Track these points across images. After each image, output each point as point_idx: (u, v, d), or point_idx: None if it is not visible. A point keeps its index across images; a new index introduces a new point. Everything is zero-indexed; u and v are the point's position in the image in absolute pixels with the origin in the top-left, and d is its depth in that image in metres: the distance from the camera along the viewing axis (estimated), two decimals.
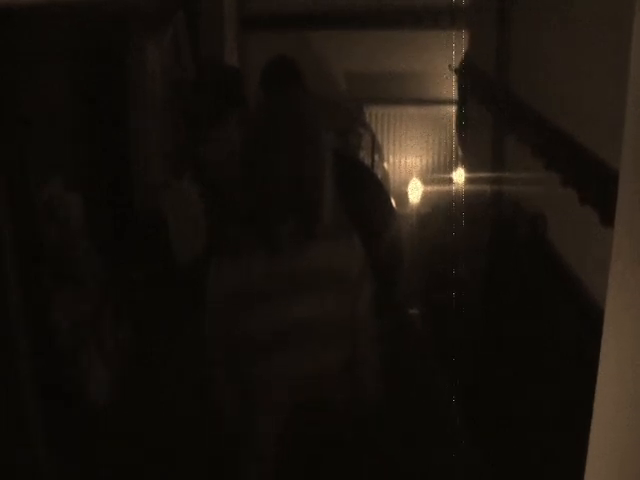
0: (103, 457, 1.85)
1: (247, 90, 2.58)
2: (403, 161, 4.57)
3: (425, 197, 4.07)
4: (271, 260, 1.61)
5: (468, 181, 3.64)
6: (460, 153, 3.98)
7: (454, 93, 3.81)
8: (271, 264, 1.60)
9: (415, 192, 4.10)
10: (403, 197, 4.01)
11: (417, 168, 4.55)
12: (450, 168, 4.16)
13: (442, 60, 3.81)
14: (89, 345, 1.83)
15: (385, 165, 4.22)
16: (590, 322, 1.82)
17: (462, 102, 3.69)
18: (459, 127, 3.82)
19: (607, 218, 1.65)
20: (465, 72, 3.55)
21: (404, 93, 4.41)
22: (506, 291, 2.56)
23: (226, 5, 3.90)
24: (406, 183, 4.22)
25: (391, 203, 2.24)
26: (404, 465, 2.06)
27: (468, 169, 3.68)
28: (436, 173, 4.42)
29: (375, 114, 4.46)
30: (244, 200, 1.67)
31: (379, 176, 3.60)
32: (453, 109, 3.93)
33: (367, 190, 2.15)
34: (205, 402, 1.87)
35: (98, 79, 2.10)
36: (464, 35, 3.69)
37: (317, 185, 1.60)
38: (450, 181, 3.87)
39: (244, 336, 1.61)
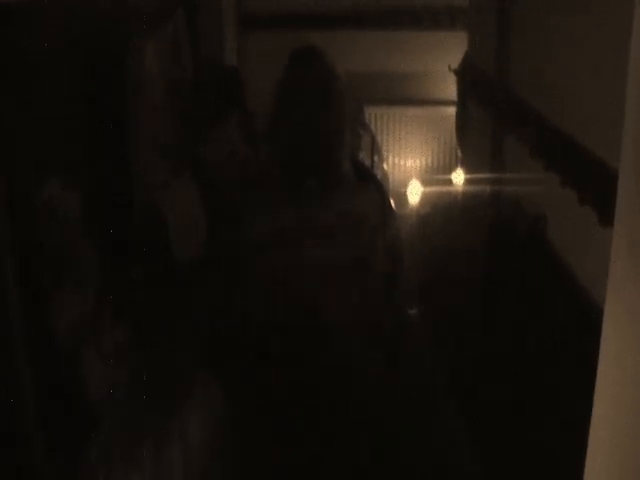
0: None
1: (246, 90, 2.58)
2: (403, 161, 4.57)
3: (425, 197, 4.07)
4: (300, 208, 1.89)
5: (468, 181, 3.64)
6: (460, 153, 3.98)
7: (454, 93, 3.81)
8: (300, 211, 1.89)
9: (415, 193, 4.10)
10: (403, 198, 4.01)
11: (417, 168, 4.55)
12: (450, 168, 4.15)
13: (442, 60, 3.81)
14: (89, 345, 1.83)
15: (385, 166, 4.22)
16: (590, 322, 1.82)
17: (462, 102, 3.68)
18: (459, 127, 3.82)
19: (606, 218, 1.65)
20: (465, 72, 3.55)
21: (404, 93, 4.41)
22: (506, 291, 2.56)
23: (225, 5, 3.90)
24: (406, 184, 4.22)
25: (391, 204, 2.24)
26: (404, 465, 2.06)
27: (468, 169, 3.68)
28: (436, 173, 4.41)
29: (375, 114, 4.46)
30: (278, 157, 1.97)
31: (379, 176, 3.59)
32: (453, 109, 3.92)
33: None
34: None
35: (97, 79, 2.09)
36: (464, 35, 3.69)
37: (338, 144, 1.89)
38: (450, 181, 3.86)
39: (276, 270, 1.89)
